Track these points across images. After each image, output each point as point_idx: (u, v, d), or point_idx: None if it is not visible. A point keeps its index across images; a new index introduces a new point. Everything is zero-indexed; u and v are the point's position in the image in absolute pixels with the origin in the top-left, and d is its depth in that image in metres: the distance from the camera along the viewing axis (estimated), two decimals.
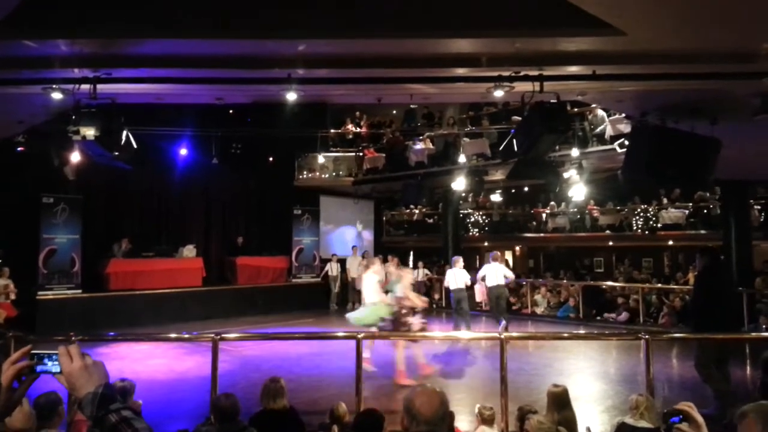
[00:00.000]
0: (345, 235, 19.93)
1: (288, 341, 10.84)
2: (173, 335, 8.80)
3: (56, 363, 1.43)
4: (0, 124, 9.21)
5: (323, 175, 18.27)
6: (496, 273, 12.25)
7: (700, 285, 7.70)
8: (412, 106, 17.17)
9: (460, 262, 12.87)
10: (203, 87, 7.27)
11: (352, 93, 8.58)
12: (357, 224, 20.20)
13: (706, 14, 4.80)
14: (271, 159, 17.47)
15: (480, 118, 16.45)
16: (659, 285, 15.48)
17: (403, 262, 17.77)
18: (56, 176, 9.95)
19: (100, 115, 6.59)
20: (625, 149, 8.86)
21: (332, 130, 18.37)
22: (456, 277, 12.43)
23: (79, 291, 13.42)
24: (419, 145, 16.20)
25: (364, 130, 18.50)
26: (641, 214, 16.83)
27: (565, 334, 10.19)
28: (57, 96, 6.76)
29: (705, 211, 16.05)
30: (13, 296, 11.99)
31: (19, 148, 10.85)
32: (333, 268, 17.77)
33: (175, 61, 6.24)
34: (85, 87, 6.41)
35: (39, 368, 1.44)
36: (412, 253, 17.14)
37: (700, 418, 2.07)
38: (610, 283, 16.38)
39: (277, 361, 9.52)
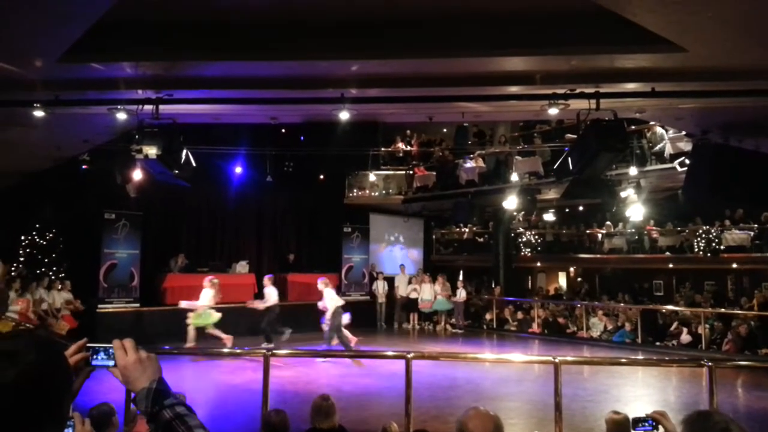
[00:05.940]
0: (394, 253, 19.90)
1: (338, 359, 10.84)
2: (226, 350, 8.92)
3: (111, 356, 1.44)
4: (67, 143, 9.68)
5: (373, 193, 18.32)
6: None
7: None
8: (463, 124, 17.11)
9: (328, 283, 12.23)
10: (258, 107, 7.46)
11: (403, 112, 8.64)
12: (400, 240, 20.10)
13: None
14: (322, 177, 17.67)
15: (532, 136, 16.23)
16: (722, 310, 14.77)
17: (453, 281, 17.66)
18: (118, 193, 10.31)
19: (162, 134, 6.83)
20: (685, 168, 8.57)
21: (383, 149, 18.45)
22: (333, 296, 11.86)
23: (138, 304, 13.80)
24: (470, 164, 16.09)
25: (414, 148, 18.51)
26: (703, 235, 16.16)
27: (623, 360, 9.81)
28: (121, 116, 7.05)
29: None
30: (80, 308, 12.50)
31: (83, 167, 11.40)
32: (379, 286, 17.75)
33: (233, 83, 6.44)
34: (148, 107, 6.68)
35: (94, 361, 1.45)
36: (462, 272, 16.98)
37: (671, 426, 2.06)
38: (670, 307, 15.71)
39: (327, 378, 9.53)
